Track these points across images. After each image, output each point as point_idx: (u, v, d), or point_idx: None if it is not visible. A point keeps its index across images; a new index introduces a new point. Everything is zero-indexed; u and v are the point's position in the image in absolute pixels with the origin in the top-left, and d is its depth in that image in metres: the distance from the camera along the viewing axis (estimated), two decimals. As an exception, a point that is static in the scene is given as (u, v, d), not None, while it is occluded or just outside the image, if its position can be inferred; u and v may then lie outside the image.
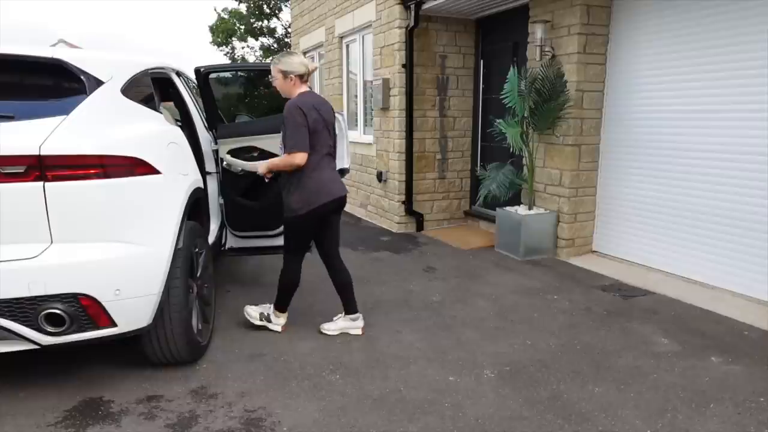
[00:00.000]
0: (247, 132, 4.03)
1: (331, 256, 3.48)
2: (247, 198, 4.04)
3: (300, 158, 3.10)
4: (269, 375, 2.98)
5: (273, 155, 3.90)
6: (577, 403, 2.67)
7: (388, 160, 6.79)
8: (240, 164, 3.91)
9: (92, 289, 2.41)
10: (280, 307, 3.51)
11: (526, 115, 5.12)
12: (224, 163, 4.00)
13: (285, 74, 3.21)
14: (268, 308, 3.57)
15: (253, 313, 3.55)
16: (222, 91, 13.40)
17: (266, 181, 3.45)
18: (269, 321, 3.52)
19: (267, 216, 3.99)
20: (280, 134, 3.22)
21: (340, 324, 3.52)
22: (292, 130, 3.08)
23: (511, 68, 5.21)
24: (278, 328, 3.51)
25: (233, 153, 3.97)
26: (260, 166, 3.38)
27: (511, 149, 5.29)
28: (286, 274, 3.42)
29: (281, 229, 4.05)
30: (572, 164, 5.08)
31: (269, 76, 3.37)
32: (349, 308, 3.53)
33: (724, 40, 4.06)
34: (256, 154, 3.93)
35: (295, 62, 3.21)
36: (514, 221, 5.26)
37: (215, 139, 4.10)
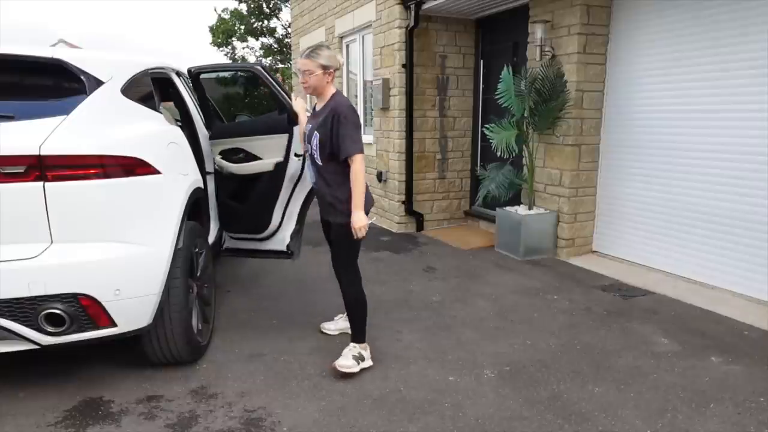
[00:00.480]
0: (237, 133, 3.96)
1: None
2: (236, 200, 3.99)
3: (363, 160, 2.85)
4: (269, 375, 2.98)
5: (257, 158, 3.80)
6: (577, 403, 2.67)
7: (388, 160, 6.79)
8: (226, 166, 3.86)
9: (92, 289, 2.41)
10: (360, 337, 3.08)
11: (525, 114, 5.12)
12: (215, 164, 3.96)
13: (326, 69, 2.89)
14: (353, 348, 3.05)
15: (346, 362, 2.97)
16: (222, 92, 13.38)
17: (360, 235, 2.88)
18: (363, 359, 3.04)
19: (253, 219, 3.93)
20: (314, 136, 2.93)
21: (340, 324, 3.52)
22: (352, 131, 2.82)
23: (505, 67, 5.19)
24: (371, 361, 3.09)
25: (223, 154, 3.93)
26: (358, 229, 2.85)
27: (499, 154, 5.14)
28: (350, 293, 3.03)
29: (266, 233, 3.89)
30: (572, 164, 5.08)
31: (297, 72, 3.16)
32: None
33: (725, 40, 4.06)
34: (242, 156, 3.88)
35: (333, 56, 2.92)
36: (514, 221, 5.26)
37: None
